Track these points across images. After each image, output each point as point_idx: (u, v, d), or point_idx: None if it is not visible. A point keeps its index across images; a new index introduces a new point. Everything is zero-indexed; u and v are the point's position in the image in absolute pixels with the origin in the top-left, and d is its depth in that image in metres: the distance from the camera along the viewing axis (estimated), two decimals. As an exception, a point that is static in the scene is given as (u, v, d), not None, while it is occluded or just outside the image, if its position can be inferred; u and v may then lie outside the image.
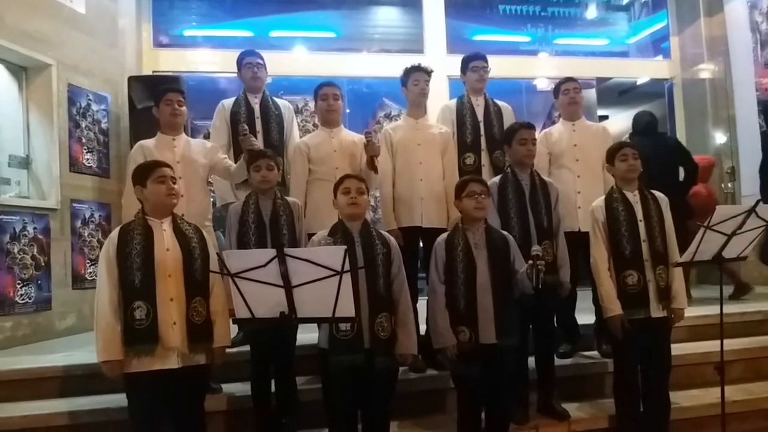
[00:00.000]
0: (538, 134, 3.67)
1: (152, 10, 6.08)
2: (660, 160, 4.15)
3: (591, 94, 6.57)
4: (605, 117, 7.96)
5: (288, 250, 2.06)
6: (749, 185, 5.88)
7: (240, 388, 3.16)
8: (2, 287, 4.08)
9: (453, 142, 3.69)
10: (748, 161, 5.95)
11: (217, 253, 2.60)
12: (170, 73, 5.73)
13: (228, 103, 3.84)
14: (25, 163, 4.54)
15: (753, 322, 4.13)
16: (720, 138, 6.53)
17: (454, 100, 3.89)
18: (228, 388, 3.21)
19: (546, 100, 6.57)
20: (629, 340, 2.92)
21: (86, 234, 4.82)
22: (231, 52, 4.57)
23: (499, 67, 4.64)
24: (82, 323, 4.60)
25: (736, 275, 5.06)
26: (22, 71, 4.57)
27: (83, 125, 4.87)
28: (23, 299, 4.22)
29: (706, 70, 6.65)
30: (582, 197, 3.60)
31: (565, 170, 3.72)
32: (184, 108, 3.37)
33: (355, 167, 3.47)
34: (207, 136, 4.50)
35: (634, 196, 3.01)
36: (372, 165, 3.37)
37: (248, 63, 3.81)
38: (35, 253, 4.33)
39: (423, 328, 3.06)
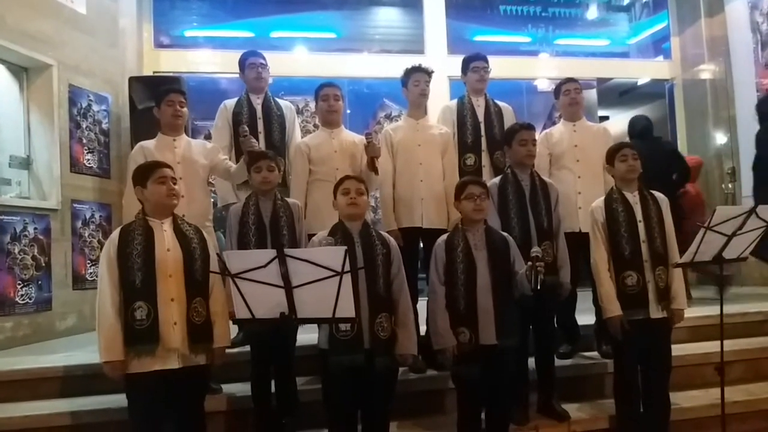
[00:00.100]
0: (539, 135, 3.67)
1: (153, 11, 6.09)
2: (656, 163, 4.17)
3: (592, 94, 6.57)
4: (606, 117, 7.96)
5: (288, 251, 2.06)
6: (750, 186, 5.86)
7: (240, 389, 3.16)
8: (3, 287, 4.08)
9: (453, 142, 3.69)
10: (749, 162, 5.90)
11: (217, 254, 2.61)
12: (171, 74, 5.74)
13: (230, 103, 3.84)
14: (26, 163, 4.55)
15: (753, 323, 4.13)
16: (720, 138, 6.53)
17: (455, 101, 3.89)
18: (228, 388, 3.21)
19: (547, 100, 6.58)
20: (629, 341, 2.92)
21: (87, 234, 4.82)
22: (232, 52, 4.58)
23: (499, 67, 4.64)
24: (83, 324, 4.61)
25: (709, 273, 5.10)
26: (22, 72, 4.57)
27: (84, 126, 4.87)
28: (24, 299, 4.23)
29: (706, 71, 6.66)
30: (582, 198, 3.59)
31: (566, 171, 3.72)
32: (185, 109, 3.38)
33: (355, 168, 3.47)
34: (207, 137, 4.51)
35: (633, 197, 3.01)
36: (372, 166, 3.37)
37: (252, 63, 3.81)
38: (36, 253, 4.33)
39: (423, 329, 3.06)
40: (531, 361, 3.23)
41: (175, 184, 2.58)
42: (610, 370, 3.23)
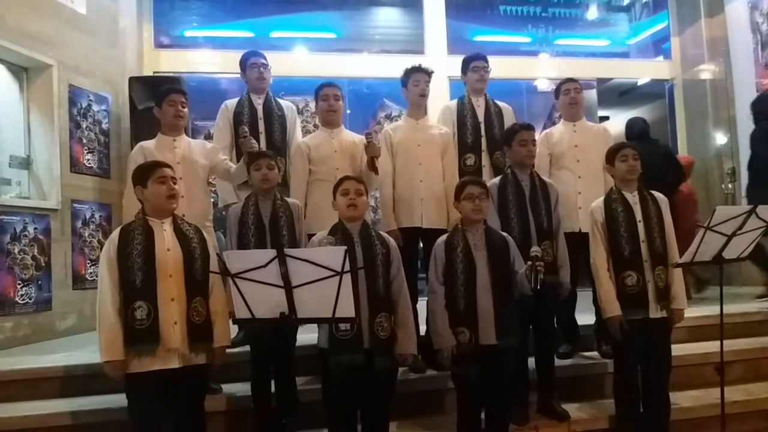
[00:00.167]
0: (539, 135, 3.67)
1: (153, 11, 6.10)
2: (653, 165, 4.18)
3: (592, 94, 6.57)
4: (606, 118, 7.96)
5: (288, 251, 2.06)
6: (749, 186, 5.87)
7: (240, 389, 3.16)
8: (3, 287, 4.08)
9: (453, 142, 3.69)
10: (748, 162, 5.95)
11: (217, 254, 2.61)
12: (171, 74, 5.74)
13: (231, 103, 3.84)
14: (26, 163, 4.55)
15: (753, 323, 4.14)
16: (720, 139, 6.53)
17: (455, 101, 3.89)
18: (228, 388, 3.22)
19: (547, 100, 6.58)
20: (628, 341, 2.92)
21: (87, 234, 4.82)
22: (232, 52, 4.57)
23: (499, 67, 4.64)
24: (83, 323, 4.61)
25: (695, 271, 5.14)
26: (22, 72, 4.58)
27: (84, 126, 4.87)
28: (24, 299, 4.23)
29: (706, 71, 6.66)
30: (582, 198, 3.59)
31: (566, 171, 3.72)
32: (186, 109, 3.37)
33: (355, 168, 3.47)
34: (207, 137, 4.51)
35: (633, 197, 3.01)
36: (372, 166, 3.37)
37: (254, 63, 3.80)
38: (36, 253, 4.33)
39: (423, 329, 3.06)
40: (531, 361, 3.23)
41: (175, 184, 2.58)
42: (610, 370, 3.23)
